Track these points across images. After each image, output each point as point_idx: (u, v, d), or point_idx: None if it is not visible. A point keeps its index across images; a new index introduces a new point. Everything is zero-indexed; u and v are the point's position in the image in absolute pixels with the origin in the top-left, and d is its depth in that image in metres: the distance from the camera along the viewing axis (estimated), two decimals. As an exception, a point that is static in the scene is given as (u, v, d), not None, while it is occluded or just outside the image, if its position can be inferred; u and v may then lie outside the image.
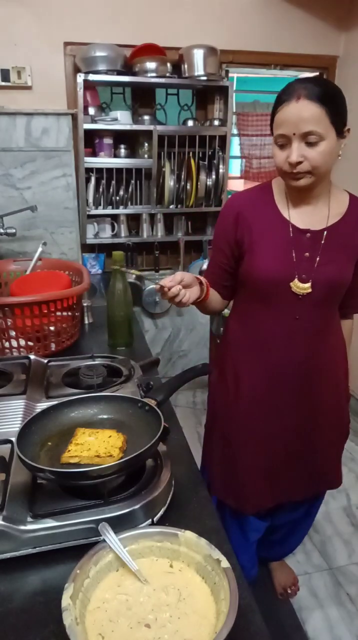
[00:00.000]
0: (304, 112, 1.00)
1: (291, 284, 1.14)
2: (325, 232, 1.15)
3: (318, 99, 0.99)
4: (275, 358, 1.22)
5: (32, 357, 1.23)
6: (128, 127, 2.45)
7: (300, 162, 1.04)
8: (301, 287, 1.14)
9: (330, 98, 1.01)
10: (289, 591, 1.71)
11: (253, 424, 1.27)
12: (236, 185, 3.70)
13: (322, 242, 1.14)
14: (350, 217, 1.17)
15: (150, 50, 2.38)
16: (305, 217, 1.16)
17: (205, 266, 2.66)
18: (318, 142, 1.02)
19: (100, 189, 2.52)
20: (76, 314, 1.51)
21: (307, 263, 1.14)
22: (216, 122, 2.60)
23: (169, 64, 2.39)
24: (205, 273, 1.31)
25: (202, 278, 1.17)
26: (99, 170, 2.51)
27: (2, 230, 2.19)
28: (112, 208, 2.58)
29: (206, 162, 2.59)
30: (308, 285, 1.14)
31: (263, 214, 1.19)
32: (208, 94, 2.67)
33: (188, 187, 2.61)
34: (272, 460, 1.30)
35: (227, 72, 2.67)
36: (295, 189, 1.12)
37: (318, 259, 1.14)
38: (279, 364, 1.22)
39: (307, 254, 1.14)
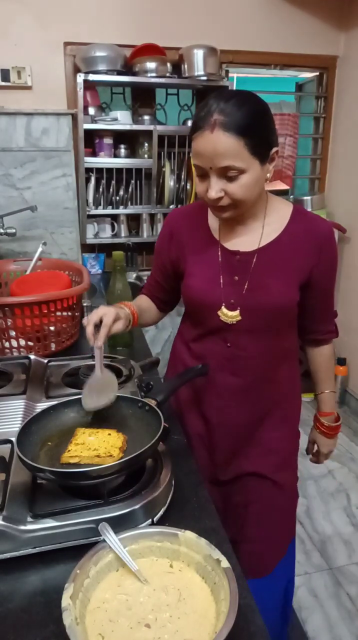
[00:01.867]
0: (220, 146, 0.89)
1: (219, 312, 1.06)
2: (256, 254, 1.04)
3: (237, 130, 0.88)
4: (212, 385, 1.12)
5: (32, 357, 1.23)
6: (128, 127, 2.45)
7: (220, 198, 0.95)
8: (229, 315, 1.05)
9: (249, 126, 0.89)
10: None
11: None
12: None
13: (252, 265, 1.04)
14: (288, 234, 1.05)
15: (150, 50, 2.38)
16: (235, 239, 1.07)
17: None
18: (238, 175, 0.92)
19: (100, 189, 2.52)
20: (76, 314, 1.50)
21: (236, 288, 1.05)
22: (216, 122, 2.60)
23: (169, 64, 2.39)
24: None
25: (131, 307, 1.12)
26: (99, 170, 2.51)
27: (2, 230, 2.19)
28: (112, 208, 2.58)
29: (206, 162, 2.59)
30: (236, 312, 1.04)
31: (197, 234, 1.12)
32: (208, 94, 2.66)
33: (188, 187, 2.61)
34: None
35: (227, 72, 2.67)
36: None
37: (247, 284, 1.04)
38: (217, 392, 1.12)
39: (236, 277, 1.05)
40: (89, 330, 0.96)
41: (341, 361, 2.94)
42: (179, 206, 2.63)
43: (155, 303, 1.27)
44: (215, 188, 0.94)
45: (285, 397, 1.18)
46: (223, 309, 1.05)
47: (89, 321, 0.96)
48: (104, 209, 2.57)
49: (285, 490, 1.18)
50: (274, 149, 0.96)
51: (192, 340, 1.18)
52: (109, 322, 0.97)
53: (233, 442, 1.15)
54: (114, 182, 2.52)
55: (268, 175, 0.98)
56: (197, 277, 1.10)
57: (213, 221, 1.11)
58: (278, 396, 1.16)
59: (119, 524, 0.71)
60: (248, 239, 1.06)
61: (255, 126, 0.90)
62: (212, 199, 0.95)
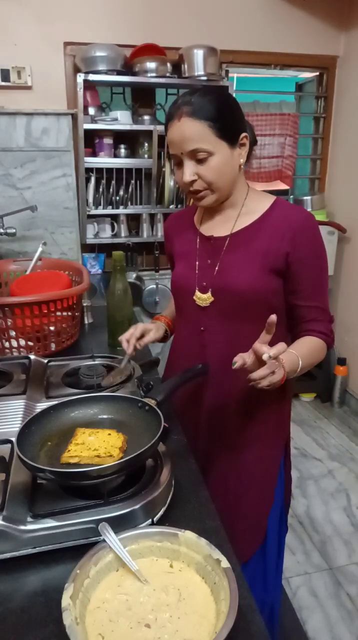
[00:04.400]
0: (186, 131, 0.97)
1: (194, 296, 1.11)
2: (229, 238, 1.09)
3: (201, 115, 0.96)
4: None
5: (32, 357, 1.23)
6: (128, 127, 2.45)
7: (194, 181, 1.01)
8: (202, 297, 1.10)
9: (214, 112, 0.96)
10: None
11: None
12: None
13: (224, 249, 1.09)
14: (262, 221, 1.08)
15: (150, 50, 2.38)
16: (213, 226, 1.13)
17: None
18: (207, 158, 0.98)
19: (100, 189, 2.52)
20: (76, 314, 1.51)
21: (208, 271, 1.10)
22: (216, 122, 2.60)
23: (169, 64, 2.39)
24: None
25: (164, 319, 1.24)
26: (99, 170, 2.51)
27: (2, 230, 2.19)
28: (112, 208, 2.59)
29: (206, 162, 2.59)
30: (208, 294, 1.09)
31: (183, 228, 1.20)
32: (208, 94, 2.67)
33: (188, 187, 2.61)
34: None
35: (227, 72, 2.67)
36: None
37: (217, 266, 1.09)
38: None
39: (209, 261, 1.11)
40: (124, 341, 1.15)
41: (341, 361, 2.94)
42: (179, 206, 2.64)
43: None
44: (188, 172, 1.01)
45: (263, 393, 1.09)
46: (197, 292, 1.11)
47: (123, 338, 1.15)
48: (104, 209, 2.57)
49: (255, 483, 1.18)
50: (243, 134, 1.03)
51: (177, 332, 1.24)
52: (137, 333, 1.14)
53: (208, 427, 1.17)
54: (114, 182, 2.52)
55: (241, 160, 1.05)
56: (179, 265, 1.18)
57: (198, 215, 1.19)
58: (256, 390, 1.09)
59: (119, 524, 0.71)
60: (224, 225, 1.11)
61: (219, 111, 0.98)
62: (187, 182, 1.02)
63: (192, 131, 0.97)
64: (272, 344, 1.09)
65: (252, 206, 1.10)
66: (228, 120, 0.99)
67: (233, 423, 1.15)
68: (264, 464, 1.18)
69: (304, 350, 1.02)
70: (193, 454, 1.10)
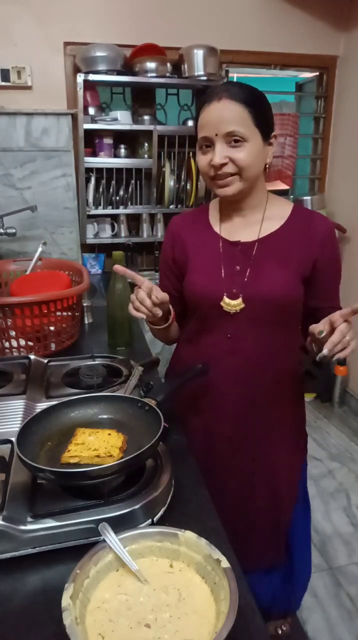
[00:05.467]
0: (226, 112, 0.96)
1: (221, 303, 1.07)
2: (256, 244, 1.07)
3: (241, 99, 0.96)
4: (214, 378, 1.12)
5: (32, 357, 1.23)
6: (128, 127, 2.46)
7: (224, 164, 0.98)
8: (231, 304, 1.06)
9: (253, 100, 0.98)
10: (280, 631, 1.53)
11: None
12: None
13: (253, 254, 1.07)
14: (288, 227, 1.08)
15: (150, 50, 2.38)
16: (236, 230, 1.10)
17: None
18: (241, 143, 0.97)
19: (100, 189, 2.52)
20: (76, 314, 1.50)
21: (238, 277, 1.07)
22: (216, 122, 2.60)
23: (168, 64, 2.39)
24: None
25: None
26: (99, 170, 2.51)
27: (2, 230, 2.19)
28: (112, 208, 2.59)
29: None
30: (238, 301, 1.06)
31: (197, 231, 1.16)
32: (208, 94, 2.67)
33: (188, 187, 2.61)
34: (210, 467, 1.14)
35: (227, 72, 2.67)
36: (226, 200, 1.08)
37: (248, 272, 1.07)
38: (218, 386, 1.13)
39: (237, 267, 1.08)
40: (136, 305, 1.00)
41: (341, 361, 2.94)
42: (179, 206, 2.64)
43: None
44: (220, 154, 0.98)
45: (285, 395, 1.17)
46: (226, 299, 1.07)
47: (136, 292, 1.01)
48: (104, 209, 2.57)
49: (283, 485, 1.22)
50: (273, 133, 1.04)
51: (193, 337, 1.19)
52: (145, 296, 0.98)
53: (231, 433, 1.16)
54: (114, 182, 2.52)
55: (268, 160, 1.04)
56: (199, 271, 1.12)
57: (213, 218, 1.15)
58: (279, 394, 1.16)
59: (119, 524, 0.71)
60: (249, 230, 1.09)
61: (257, 101, 0.99)
62: (216, 164, 0.98)
63: (232, 113, 0.96)
64: (289, 346, 1.13)
65: (274, 211, 1.10)
66: (264, 112, 1.00)
67: (260, 417, 1.15)
68: (289, 459, 1.24)
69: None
70: (213, 448, 1.14)
